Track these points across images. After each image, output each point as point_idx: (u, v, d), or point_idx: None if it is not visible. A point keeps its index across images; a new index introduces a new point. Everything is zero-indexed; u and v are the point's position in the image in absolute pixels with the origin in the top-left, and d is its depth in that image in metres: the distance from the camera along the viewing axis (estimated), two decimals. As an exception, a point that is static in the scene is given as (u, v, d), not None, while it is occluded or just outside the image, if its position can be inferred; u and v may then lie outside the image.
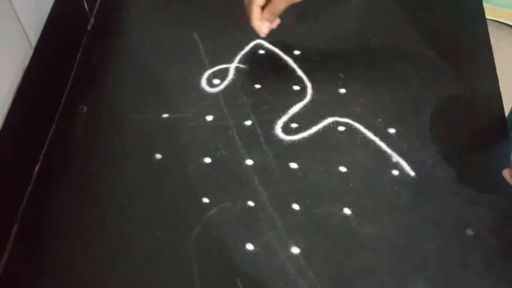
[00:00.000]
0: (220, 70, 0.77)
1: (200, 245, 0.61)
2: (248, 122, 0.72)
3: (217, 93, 0.75)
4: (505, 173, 0.57)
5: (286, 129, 0.71)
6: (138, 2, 0.88)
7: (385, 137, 0.70)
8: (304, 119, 0.71)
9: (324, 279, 0.58)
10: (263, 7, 0.67)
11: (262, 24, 0.68)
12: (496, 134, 0.70)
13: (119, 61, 0.79)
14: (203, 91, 0.75)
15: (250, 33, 0.81)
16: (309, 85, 0.75)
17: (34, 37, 0.68)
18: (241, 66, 0.78)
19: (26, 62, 0.66)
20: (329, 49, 0.81)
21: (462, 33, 0.83)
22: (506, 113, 0.72)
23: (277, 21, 0.69)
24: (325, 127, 0.71)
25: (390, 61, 0.79)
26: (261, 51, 0.80)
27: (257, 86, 0.75)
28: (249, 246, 0.61)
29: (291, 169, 0.67)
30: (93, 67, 0.78)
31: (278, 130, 0.71)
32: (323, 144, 0.69)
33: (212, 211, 0.63)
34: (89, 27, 0.84)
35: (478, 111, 0.73)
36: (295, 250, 0.60)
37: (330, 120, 0.71)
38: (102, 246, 0.61)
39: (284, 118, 0.72)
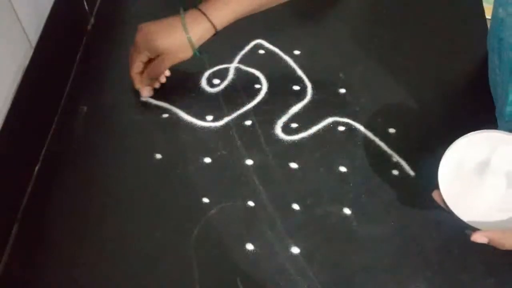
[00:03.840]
0: (220, 70, 0.77)
1: (200, 245, 0.61)
2: (248, 122, 0.72)
3: (217, 93, 0.75)
4: (435, 195, 0.56)
5: (286, 129, 0.71)
6: (138, 2, 0.88)
7: (385, 137, 0.70)
8: (304, 119, 0.71)
9: (324, 279, 0.58)
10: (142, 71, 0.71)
11: (143, 89, 0.72)
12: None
13: (119, 61, 0.79)
14: (203, 91, 0.75)
15: (250, 33, 0.82)
16: (309, 85, 0.75)
17: (34, 37, 0.68)
18: (241, 66, 0.78)
19: (26, 62, 0.66)
20: (329, 49, 0.81)
21: (462, 33, 0.83)
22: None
23: (161, 81, 0.74)
24: (325, 127, 0.71)
25: (390, 61, 0.79)
26: (261, 51, 0.80)
27: (257, 86, 0.75)
28: (249, 246, 0.61)
29: (291, 169, 0.67)
30: (94, 68, 0.78)
31: (278, 130, 0.71)
32: (323, 144, 0.69)
33: (212, 211, 0.63)
34: (89, 27, 0.84)
35: (478, 111, 0.73)
36: (295, 250, 0.60)
37: (330, 120, 0.71)
38: (102, 246, 0.61)
39: (284, 118, 0.72)
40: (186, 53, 0.68)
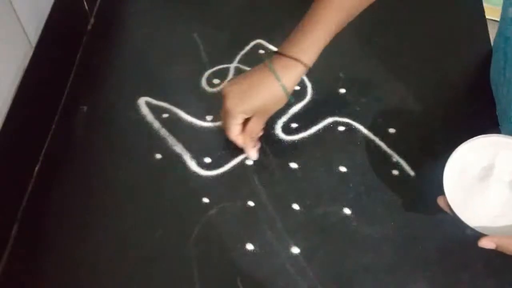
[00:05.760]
0: (220, 70, 0.77)
1: (200, 245, 0.61)
2: (248, 122, 0.71)
3: (217, 93, 0.75)
4: (439, 200, 0.55)
5: (286, 129, 0.71)
6: (138, 2, 0.88)
7: (385, 137, 0.70)
8: (304, 119, 0.71)
9: (324, 279, 0.58)
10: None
11: (249, 152, 0.66)
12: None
13: (119, 61, 0.79)
14: (203, 91, 0.75)
15: (250, 33, 0.81)
16: (309, 85, 0.75)
17: (34, 37, 0.68)
18: (241, 66, 0.78)
19: (26, 62, 0.66)
20: (329, 49, 0.80)
21: (462, 33, 0.83)
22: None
23: (259, 142, 0.68)
24: (325, 127, 0.71)
25: (390, 61, 0.78)
26: (261, 51, 0.80)
27: (257, 86, 0.75)
28: (249, 246, 0.61)
29: (291, 169, 0.67)
30: (93, 67, 0.78)
31: (278, 130, 0.71)
32: (323, 144, 0.69)
33: (212, 211, 0.63)
34: (89, 27, 0.84)
35: (478, 110, 0.73)
36: (295, 250, 0.60)
37: (330, 120, 0.71)
38: (102, 246, 0.61)
39: (284, 118, 0.72)
40: (281, 103, 0.63)
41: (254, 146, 0.67)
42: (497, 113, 0.71)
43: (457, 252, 0.60)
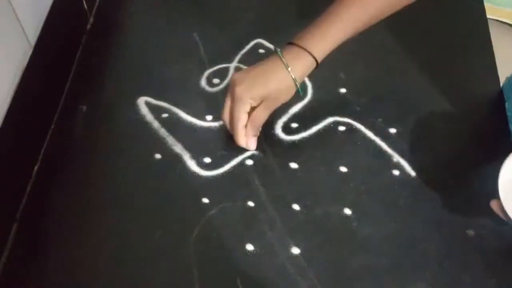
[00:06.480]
0: (220, 69, 0.77)
1: (200, 245, 0.61)
2: (248, 122, 0.71)
3: (217, 93, 0.75)
4: (493, 204, 0.55)
5: (286, 129, 0.71)
6: (137, 2, 0.88)
7: (385, 137, 0.70)
8: (304, 119, 0.71)
9: (324, 279, 0.58)
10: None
11: (249, 140, 0.67)
12: (496, 134, 0.70)
13: (118, 61, 0.79)
14: (203, 91, 0.75)
15: (250, 33, 0.81)
16: (309, 85, 0.75)
17: (33, 37, 0.68)
18: (241, 65, 0.78)
19: (25, 62, 0.66)
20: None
21: (463, 33, 0.83)
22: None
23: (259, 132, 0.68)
24: (325, 127, 0.71)
25: (391, 60, 0.78)
26: (261, 51, 0.80)
27: (257, 86, 0.75)
28: (249, 246, 0.61)
29: (291, 169, 0.67)
30: (93, 67, 0.78)
31: (278, 130, 0.71)
32: (323, 144, 0.69)
33: (212, 211, 0.63)
34: (88, 27, 0.84)
35: (479, 111, 0.73)
36: (295, 250, 0.60)
37: (330, 120, 0.71)
38: (101, 246, 0.61)
39: (284, 118, 0.72)
40: (289, 94, 0.63)
41: (256, 135, 0.67)
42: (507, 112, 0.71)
43: (457, 253, 0.60)
